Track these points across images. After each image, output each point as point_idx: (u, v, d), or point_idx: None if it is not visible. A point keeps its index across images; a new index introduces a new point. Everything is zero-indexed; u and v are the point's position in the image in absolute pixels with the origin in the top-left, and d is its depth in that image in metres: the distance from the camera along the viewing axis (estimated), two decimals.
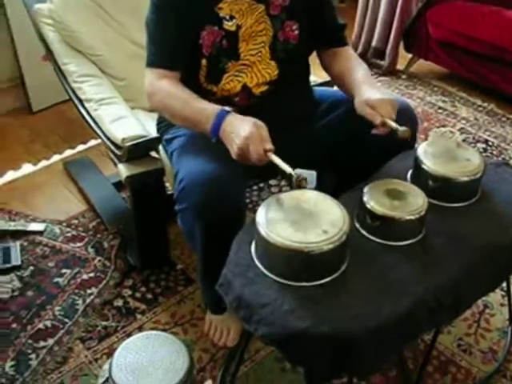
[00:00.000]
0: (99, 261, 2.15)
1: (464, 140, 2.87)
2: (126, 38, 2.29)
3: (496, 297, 2.04)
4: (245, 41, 1.70)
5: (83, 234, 2.27)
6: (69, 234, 2.27)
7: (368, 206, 1.45)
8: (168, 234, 2.11)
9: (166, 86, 1.66)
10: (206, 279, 1.73)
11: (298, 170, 2.16)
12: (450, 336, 1.91)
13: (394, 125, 1.54)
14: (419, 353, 1.83)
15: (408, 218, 1.42)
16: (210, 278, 1.66)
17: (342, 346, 1.26)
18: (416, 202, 1.46)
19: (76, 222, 2.34)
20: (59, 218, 2.35)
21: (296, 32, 1.74)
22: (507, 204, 1.60)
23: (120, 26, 2.28)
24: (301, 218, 1.35)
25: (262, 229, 1.32)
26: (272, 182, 2.50)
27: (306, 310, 1.27)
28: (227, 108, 1.59)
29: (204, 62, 1.69)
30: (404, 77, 3.41)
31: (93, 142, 2.79)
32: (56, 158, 2.72)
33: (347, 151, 1.80)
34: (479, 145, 2.83)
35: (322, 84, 2.08)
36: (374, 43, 3.38)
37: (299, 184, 1.44)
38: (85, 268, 2.12)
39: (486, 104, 3.18)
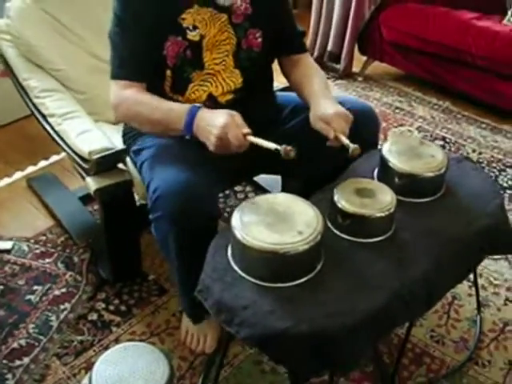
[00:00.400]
0: (70, 276, 2.13)
1: (423, 137, 2.93)
2: (86, 51, 2.29)
3: (463, 288, 2.10)
4: (208, 50, 1.72)
5: (52, 250, 2.25)
6: (37, 251, 2.25)
7: (339, 205, 1.48)
8: (139, 245, 2.11)
9: (131, 95, 1.67)
10: (183, 287, 1.74)
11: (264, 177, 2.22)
12: (423, 328, 1.95)
13: (345, 141, 1.57)
14: (393, 347, 1.88)
15: (378, 215, 1.47)
16: (186, 285, 1.68)
17: (322, 343, 1.29)
18: (385, 199, 1.50)
19: (44, 238, 2.32)
20: (26, 234, 2.33)
21: (259, 40, 1.77)
22: (471, 198, 1.66)
23: (79, 39, 2.27)
24: (275, 220, 1.37)
25: (238, 232, 1.34)
26: (237, 188, 2.52)
27: (286, 311, 1.29)
28: (197, 104, 1.61)
29: (169, 72, 1.71)
30: (360, 79, 3.48)
31: (55, 158, 2.77)
32: (18, 174, 2.69)
33: (310, 156, 1.84)
34: (437, 142, 2.91)
35: (283, 89, 2.12)
36: (329, 47, 3.44)
37: (287, 153, 1.48)
38: (56, 284, 2.10)
39: (441, 102, 3.27)
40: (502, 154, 2.86)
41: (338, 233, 1.50)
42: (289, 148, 1.48)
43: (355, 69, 3.52)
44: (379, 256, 1.45)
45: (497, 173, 2.69)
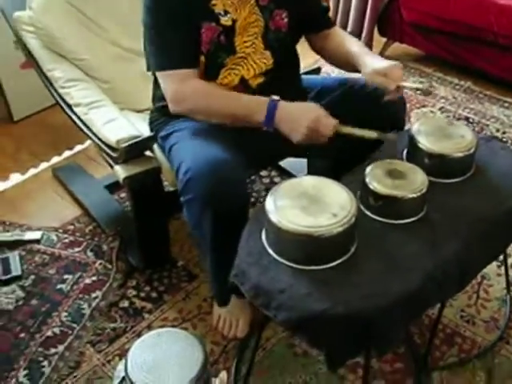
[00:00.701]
0: (100, 264, 2.16)
1: (445, 118, 2.92)
2: (109, 40, 2.29)
3: (492, 268, 2.09)
4: (240, 34, 1.73)
5: (81, 239, 2.27)
6: (66, 240, 2.27)
7: (371, 186, 1.48)
8: (168, 232, 2.12)
9: (199, 87, 1.69)
10: (216, 270, 1.75)
11: (289, 161, 2.22)
12: (453, 309, 1.96)
13: (413, 85, 1.63)
14: (424, 328, 1.88)
15: (411, 196, 1.46)
16: (219, 268, 1.69)
17: (358, 325, 1.29)
18: (417, 180, 1.50)
19: (72, 227, 2.34)
20: (54, 224, 2.35)
21: (285, 20, 1.77)
22: (501, 177, 1.66)
23: (101, 29, 2.28)
24: (309, 203, 1.38)
25: (273, 216, 1.35)
26: (263, 173, 2.52)
27: (322, 293, 1.30)
28: (274, 97, 1.63)
29: (202, 58, 1.71)
30: None
31: (79, 147, 2.78)
32: (44, 165, 2.71)
33: (337, 137, 1.84)
34: (460, 122, 2.88)
35: (309, 72, 2.11)
36: (348, 29, 3.42)
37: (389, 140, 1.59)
38: (86, 272, 2.13)
39: (462, 82, 3.23)
40: None
41: (369, 214, 1.50)
42: (391, 136, 1.58)
43: (375, 50, 3.48)
44: (411, 237, 1.45)
45: None
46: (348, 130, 1.61)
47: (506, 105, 3.05)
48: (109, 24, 2.28)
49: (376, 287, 1.32)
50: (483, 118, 2.94)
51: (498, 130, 2.84)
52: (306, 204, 1.37)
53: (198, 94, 1.69)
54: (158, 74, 1.74)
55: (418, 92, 1.63)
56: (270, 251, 1.39)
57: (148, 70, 1.80)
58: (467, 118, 2.94)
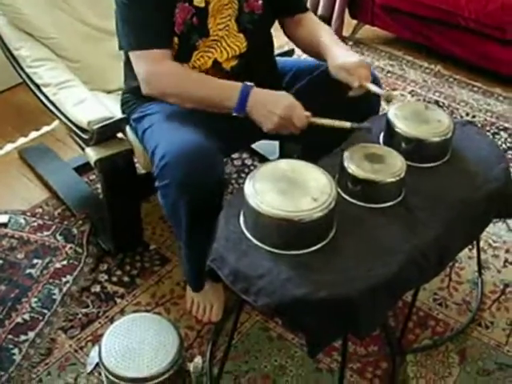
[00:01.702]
0: (70, 248, 2.11)
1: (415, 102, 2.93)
2: (78, 19, 2.22)
3: (463, 251, 2.09)
4: (213, 16, 1.69)
5: (50, 223, 2.22)
6: (35, 224, 2.22)
7: (349, 170, 1.48)
8: (140, 215, 2.09)
9: (172, 69, 1.65)
10: (191, 256, 1.73)
11: (260, 143, 2.21)
12: (426, 292, 1.97)
13: (374, 88, 1.61)
14: (398, 310, 1.89)
15: (389, 180, 1.46)
16: (194, 253, 1.67)
17: (340, 308, 1.30)
18: (395, 164, 1.50)
19: (40, 210, 2.28)
20: (22, 208, 2.29)
21: (260, 2, 1.74)
22: (477, 161, 1.67)
23: (70, 7, 2.21)
24: (289, 187, 1.36)
25: (252, 200, 1.33)
26: (234, 155, 2.49)
27: (303, 277, 1.29)
28: (248, 83, 1.60)
29: (175, 40, 1.67)
30: (350, 43, 3.44)
31: (46, 128, 2.71)
32: (9, 147, 2.63)
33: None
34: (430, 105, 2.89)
35: (282, 54, 2.09)
36: (319, 12, 3.39)
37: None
38: (56, 256, 2.08)
39: (432, 66, 3.24)
40: (495, 117, 2.86)
41: (348, 198, 1.50)
42: (365, 125, 1.58)
43: (345, 33, 3.48)
44: (390, 221, 1.45)
45: (491, 136, 2.70)
46: (321, 121, 1.58)
47: (475, 89, 3.07)
48: (78, 2, 2.21)
49: (357, 270, 1.32)
50: (453, 102, 2.96)
51: (467, 114, 2.87)
52: (285, 188, 1.36)
53: (171, 76, 1.65)
54: (130, 53, 1.69)
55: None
56: (249, 236, 1.37)
57: (120, 49, 1.76)
58: (437, 102, 2.95)
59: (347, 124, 1.57)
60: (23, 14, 2.11)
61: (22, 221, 2.23)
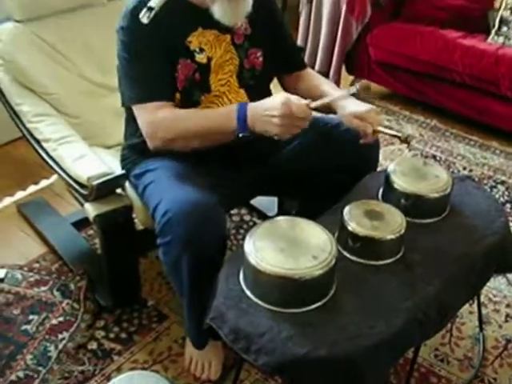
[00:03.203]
0: (67, 304, 2.09)
1: (413, 157, 2.95)
2: (78, 75, 2.26)
3: (464, 306, 2.09)
4: (214, 72, 1.72)
5: (47, 278, 2.20)
6: (32, 279, 2.20)
7: (349, 227, 1.48)
8: (138, 271, 2.07)
9: (167, 114, 1.65)
10: (193, 313, 1.70)
11: (259, 199, 2.21)
12: (427, 347, 1.94)
13: (392, 132, 1.67)
14: (400, 367, 1.86)
15: (389, 237, 1.47)
16: (196, 310, 1.65)
17: (342, 367, 1.28)
18: (395, 221, 1.50)
19: (37, 265, 2.27)
20: (19, 262, 2.28)
21: (260, 59, 1.78)
22: (476, 216, 1.67)
23: (71, 63, 2.25)
24: (288, 244, 1.36)
25: (252, 258, 1.33)
26: (232, 211, 2.49)
27: (304, 336, 1.28)
28: (242, 102, 1.62)
29: (178, 95, 1.70)
30: None
31: (45, 182, 2.72)
32: (8, 200, 2.63)
33: (310, 177, 1.84)
34: (428, 160, 2.92)
35: None
36: (316, 67, 3.45)
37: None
38: (53, 312, 2.06)
39: (428, 120, 3.29)
40: (492, 171, 2.88)
41: (347, 255, 1.50)
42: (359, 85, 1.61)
43: (342, 88, 3.53)
44: (391, 278, 1.45)
45: (488, 190, 2.71)
46: (322, 101, 1.58)
47: (472, 143, 3.10)
48: (76, 56, 2.26)
49: (358, 329, 1.31)
50: (450, 156, 2.99)
51: (464, 168, 2.89)
52: (285, 246, 1.36)
53: (168, 120, 1.66)
54: (133, 107, 1.71)
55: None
56: (249, 294, 1.36)
57: (122, 105, 1.78)
58: (434, 156, 2.98)
59: (345, 92, 1.62)
60: (25, 70, 2.14)
61: (19, 276, 2.21)
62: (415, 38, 3.12)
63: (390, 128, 1.67)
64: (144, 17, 1.56)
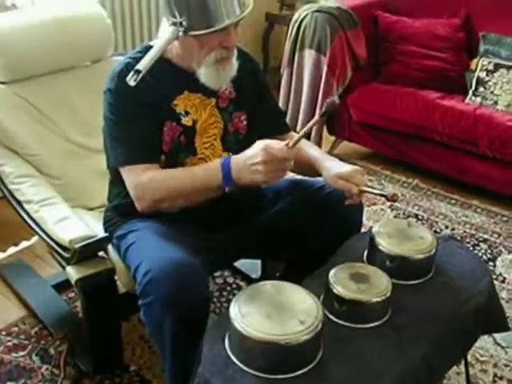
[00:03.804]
0: (47, 369, 2.03)
1: (395, 216, 2.97)
2: (61, 136, 2.27)
3: None
4: (200, 135, 1.73)
5: (26, 342, 2.15)
6: (9, 343, 2.14)
7: (335, 291, 1.47)
8: (120, 335, 2.03)
9: (153, 176, 1.65)
10: (176, 377, 1.66)
11: (243, 261, 2.20)
12: None
13: (377, 191, 1.67)
14: None
15: (375, 300, 1.46)
16: (179, 374, 1.60)
17: None
18: (380, 284, 1.49)
19: (16, 329, 2.21)
20: None
21: (244, 122, 1.80)
22: (461, 276, 1.68)
23: (54, 124, 2.26)
24: (274, 309, 1.35)
25: (238, 323, 1.31)
26: (216, 273, 2.46)
27: None
28: (225, 156, 1.63)
29: (163, 157, 1.70)
30: None
31: (25, 244, 2.69)
32: None
33: (294, 239, 1.84)
34: (410, 219, 2.94)
35: None
36: (298, 128, 3.46)
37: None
38: (31, 378, 2.00)
39: (410, 180, 3.32)
40: (474, 229, 2.90)
41: (333, 319, 1.48)
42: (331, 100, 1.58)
43: (324, 149, 3.56)
44: (378, 341, 1.43)
45: (471, 248, 2.72)
46: (298, 136, 1.58)
47: (453, 201, 3.13)
48: (59, 117, 2.27)
49: None
50: (432, 215, 3.01)
51: (447, 227, 2.90)
52: (271, 311, 1.34)
53: (155, 181, 1.66)
54: (120, 169, 1.71)
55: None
56: (235, 360, 1.33)
57: (108, 166, 1.78)
58: (417, 215, 3.00)
59: (317, 117, 1.63)
60: (8, 131, 2.14)
61: None
62: (395, 99, 3.18)
63: (374, 188, 1.66)
64: (131, 79, 1.57)
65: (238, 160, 1.59)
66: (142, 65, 1.57)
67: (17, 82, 2.22)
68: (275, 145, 1.55)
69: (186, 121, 1.71)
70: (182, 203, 1.67)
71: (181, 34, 1.60)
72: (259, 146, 1.55)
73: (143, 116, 1.66)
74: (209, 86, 1.69)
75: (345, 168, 1.68)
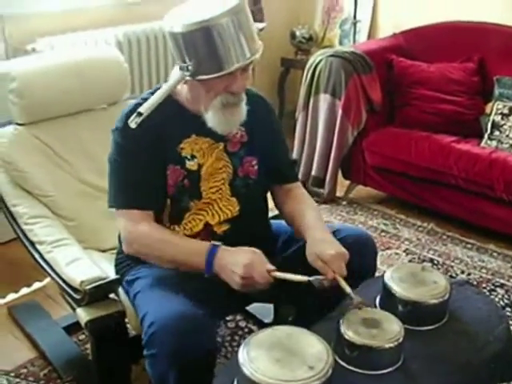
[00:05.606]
0: None
1: (410, 261, 2.93)
2: (75, 177, 2.29)
3: None
4: (206, 179, 1.73)
5: None
6: None
7: (346, 336, 1.44)
8: (130, 378, 2.00)
9: (147, 231, 1.66)
10: None
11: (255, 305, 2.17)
12: None
13: (347, 290, 1.56)
14: None
15: (387, 346, 1.43)
16: None
17: None
18: (393, 329, 1.46)
19: (25, 371, 2.19)
20: (6, 367, 2.20)
21: (256, 167, 1.78)
22: (477, 322, 1.64)
23: (69, 165, 2.28)
24: (284, 354, 1.32)
25: (246, 368, 1.28)
26: (228, 318, 2.44)
27: None
28: (216, 243, 1.61)
29: (168, 201, 1.71)
30: (344, 203, 3.51)
31: (37, 285, 2.68)
32: None
33: (306, 284, 1.81)
34: (425, 264, 2.90)
35: (275, 217, 2.10)
36: (313, 173, 3.47)
37: (322, 285, 1.57)
38: None
39: (425, 224, 3.29)
40: (490, 274, 2.85)
41: (344, 365, 1.45)
42: (323, 282, 1.56)
43: (339, 193, 3.56)
44: None
45: (487, 293, 2.67)
46: (281, 275, 1.57)
47: (469, 246, 3.09)
48: (73, 158, 2.29)
49: None
50: (447, 260, 2.96)
51: (462, 272, 2.86)
52: (280, 356, 1.31)
53: (145, 238, 1.67)
54: (115, 211, 1.72)
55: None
56: None
57: (109, 206, 1.78)
58: (432, 260, 2.96)
59: (305, 278, 1.57)
60: (24, 172, 2.17)
61: (5, 382, 2.13)
62: (410, 144, 3.17)
63: (347, 282, 1.59)
64: (132, 122, 1.58)
65: (224, 257, 1.59)
66: (144, 107, 1.58)
67: (34, 123, 2.26)
68: (259, 266, 1.55)
69: (191, 165, 1.71)
70: (165, 265, 1.68)
71: (187, 78, 1.61)
72: (245, 259, 1.55)
73: (144, 159, 1.66)
74: (216, 131, 1.69)
75: (330, 248, 1.61)
